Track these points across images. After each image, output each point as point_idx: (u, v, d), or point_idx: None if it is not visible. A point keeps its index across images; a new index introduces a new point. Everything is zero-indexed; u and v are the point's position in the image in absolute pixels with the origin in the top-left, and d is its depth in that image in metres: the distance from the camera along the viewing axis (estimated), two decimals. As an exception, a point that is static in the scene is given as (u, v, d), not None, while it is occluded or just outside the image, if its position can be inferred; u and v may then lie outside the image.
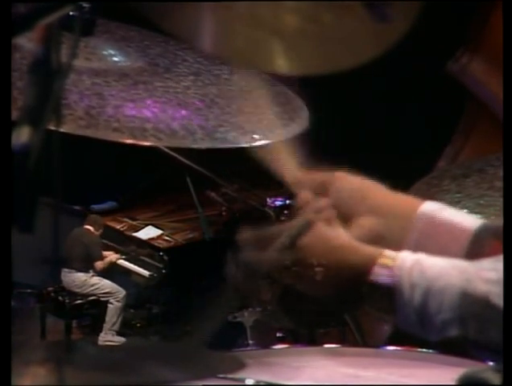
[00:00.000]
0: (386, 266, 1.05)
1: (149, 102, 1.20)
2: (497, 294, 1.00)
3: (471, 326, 1.01)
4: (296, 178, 1.22)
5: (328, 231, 1.10)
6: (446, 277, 1.03)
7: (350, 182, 1.23)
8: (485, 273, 1.02)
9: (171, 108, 1.22)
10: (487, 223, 1.16)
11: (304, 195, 1.20)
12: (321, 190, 1.22)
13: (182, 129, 1.18)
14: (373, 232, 1.18)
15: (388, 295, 1.04)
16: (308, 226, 1.09)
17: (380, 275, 1.05)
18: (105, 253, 6.90)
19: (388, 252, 1.07)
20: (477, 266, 1.04)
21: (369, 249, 1.08)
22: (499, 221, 1.13)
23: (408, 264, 1.05)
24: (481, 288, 1.01)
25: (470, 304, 1.01)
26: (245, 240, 1.13)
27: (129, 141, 1.13)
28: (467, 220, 1.17)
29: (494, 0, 3.62)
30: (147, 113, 1.18)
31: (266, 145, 1.23)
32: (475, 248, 1.13)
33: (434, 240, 1.16)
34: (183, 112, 1.22)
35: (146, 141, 1.14)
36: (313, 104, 1.40)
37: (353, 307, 1.17)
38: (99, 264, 6.73)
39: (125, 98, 1.19)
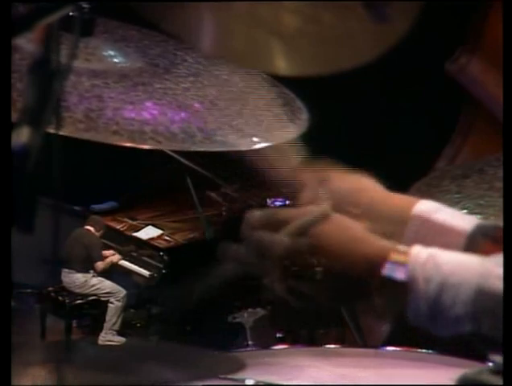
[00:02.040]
0: (400, 260, 1.05)
1: (148, 104, 1.20)
2: None
3: (484, 322, 1.01)
4: (294, 178, 1.21)
5: (345, 220, 1.10)
6: (461, 272, 1.02)
7: (347, 183, 1.22)
8: (501, 270, 1.02)
9: (170, 110, 1.21)
10: (480, 224, 1.16)
11: (307, 195, 1.19)
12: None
13: (181, 132, 1.18)
14: None
15: (399, 289, 1.04)
16: (323, 217, 1.08)
17: (393, 268, 1.05)
18: (105, 253, 6.89)
19: (401, 247, 1.06)
20: (493, 262, 1.04)
21: (383, 242, 1.08)
22: (492, 221, 1.13)
23: (422, 258, 1.04)
24: (497, 285, 1.01)
25: (485, 300, 1.01)
26: (255, 220, 1.12)
27: (128, 144, 1.12)
28: (461, 222, 1.17)
29: (493, 0, 3.62)
30: (146, 116, 1.18)
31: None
32: (471, 251, 1.13)
33: (428, 242, 1.15)
34: (183, 114, 1.22)
35: (146, 144, 1.14)
36: (313, 104, 1.40)
37: (360, 300, 1.15)
38: (99, 265, 6.73)
39: (124, 100, 1.18)
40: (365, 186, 1.23)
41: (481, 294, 1.01)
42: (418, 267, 1.03)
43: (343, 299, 1.13)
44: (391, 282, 1.04)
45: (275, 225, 1.09)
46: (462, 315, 1.01)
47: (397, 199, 1.23)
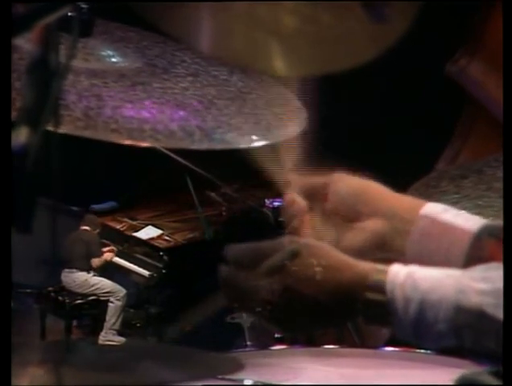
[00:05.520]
0: (379, 281, 1.05)
1: (147, 103, 1.20)
2: (491, 304, 1.00)
3: (467, 337, 1.01)
4: (290, 182, 1.21)
5: (321, 249, 1.10)
6: (439, 289, 1.03)
7: (350, 184, 1.23)
8: (477, 284, 1.02)
9: (169, 109, 1.22)
10: (487, 225, 1.16)
11: (289, 197, 1.20)
12: (320, 194, 1.22)
13: (180, 130, 1.18)
14: (376, 235, 1.18)
15: (383, 310, 1.04)
16: (294, 254, 1.08)
17: (373, 291, 1.05)
18: (104, 249, 6.89)
19: (380, 267, 1.07)
20: (469, 276, 1.04)
21: (361, 265, 1.08)
22: (499, 221, 1.13)
23: (401, 278, 1.04)
24: (474, 299, 1.01)
25: (465, 315, 1.01)
26: (233, 257, 1.12)
27: (127, 142, 1.12)
28: (468, 222, 1.17)
29: (494, 1, 3.62)
30: (146, 114, 1.18)
31: (262, 145, 1.22)
32: (476, 250, 1.13)
33: (435, 242, 1.15)
34: (182, 113, 1.22)
35: (145, 142, 1.14)
36: (313, 104, 1.40)
37: (347, 319, 1.16)
38: (96, 261, 6.73)
39: (123, 99, 1.19)
40: (371, 186, 1.23)
41: (460, 310, 1.01)
42: (397, 287, 1.04)
43: (328, 322, 1.13)
44: (374, 303, 1.04)
45: (252, 262, 1.09)
46: (445, 331, 1.02)
47: (404, 199, 1.23)
